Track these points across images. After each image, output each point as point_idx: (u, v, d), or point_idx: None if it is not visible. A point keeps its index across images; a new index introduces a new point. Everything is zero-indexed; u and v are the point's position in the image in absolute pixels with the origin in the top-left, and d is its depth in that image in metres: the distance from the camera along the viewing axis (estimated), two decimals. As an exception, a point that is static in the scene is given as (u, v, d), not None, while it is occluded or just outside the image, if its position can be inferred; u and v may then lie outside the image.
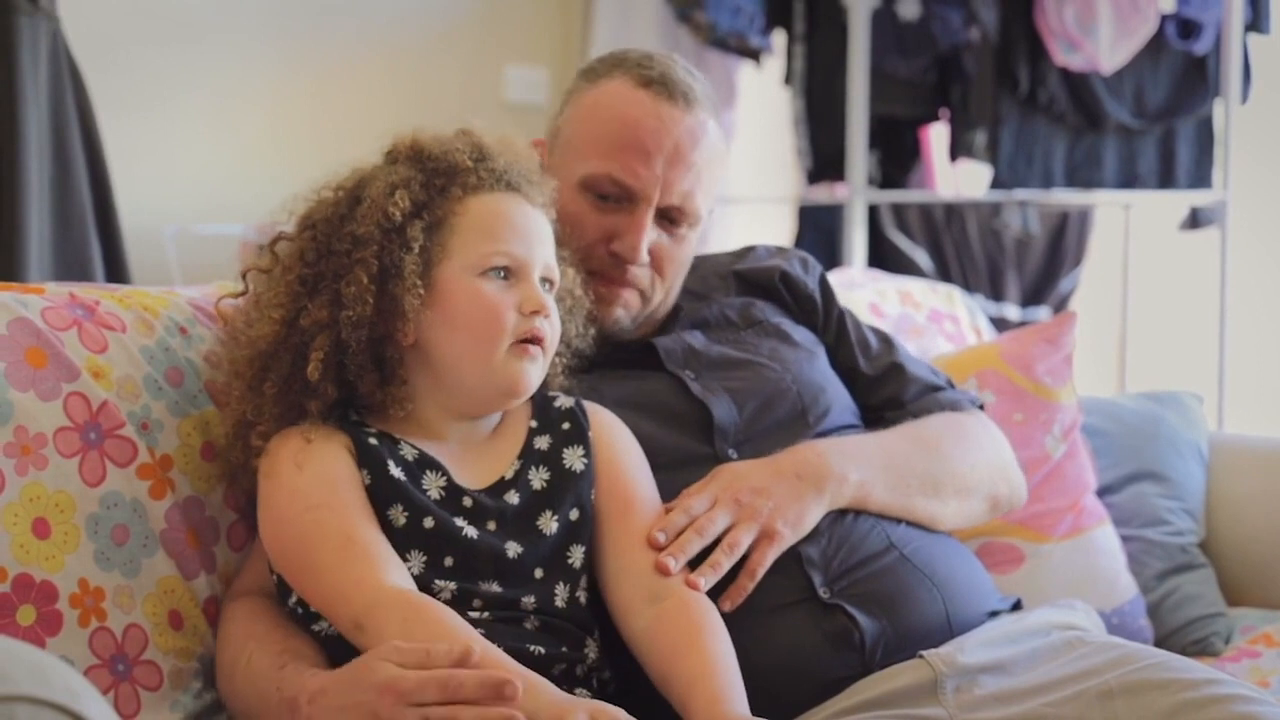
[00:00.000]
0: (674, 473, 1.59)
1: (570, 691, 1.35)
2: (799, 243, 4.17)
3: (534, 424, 1.55)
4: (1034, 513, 2.08)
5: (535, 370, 1.50)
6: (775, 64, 4.15)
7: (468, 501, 1.47)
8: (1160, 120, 3.95)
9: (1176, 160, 3.98)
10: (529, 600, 1.45)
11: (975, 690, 1.47)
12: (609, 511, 1.53)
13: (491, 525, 1.47)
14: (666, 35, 4.00)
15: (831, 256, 3.96)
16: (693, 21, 3.94)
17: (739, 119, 4.18)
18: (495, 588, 1.44)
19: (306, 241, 1.51)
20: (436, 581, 1.42)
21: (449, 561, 1.43)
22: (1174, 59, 3.93)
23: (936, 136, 4.23)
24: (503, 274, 1.49)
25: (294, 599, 1.45)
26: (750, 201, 4.28)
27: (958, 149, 3.96)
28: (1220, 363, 3.65)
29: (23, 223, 2.59)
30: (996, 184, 3.87)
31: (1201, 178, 3.99)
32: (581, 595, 1.49)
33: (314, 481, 1.43)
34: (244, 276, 1.58)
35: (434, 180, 1.51)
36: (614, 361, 1.71)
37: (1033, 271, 4.35)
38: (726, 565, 1.50)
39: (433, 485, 1.47)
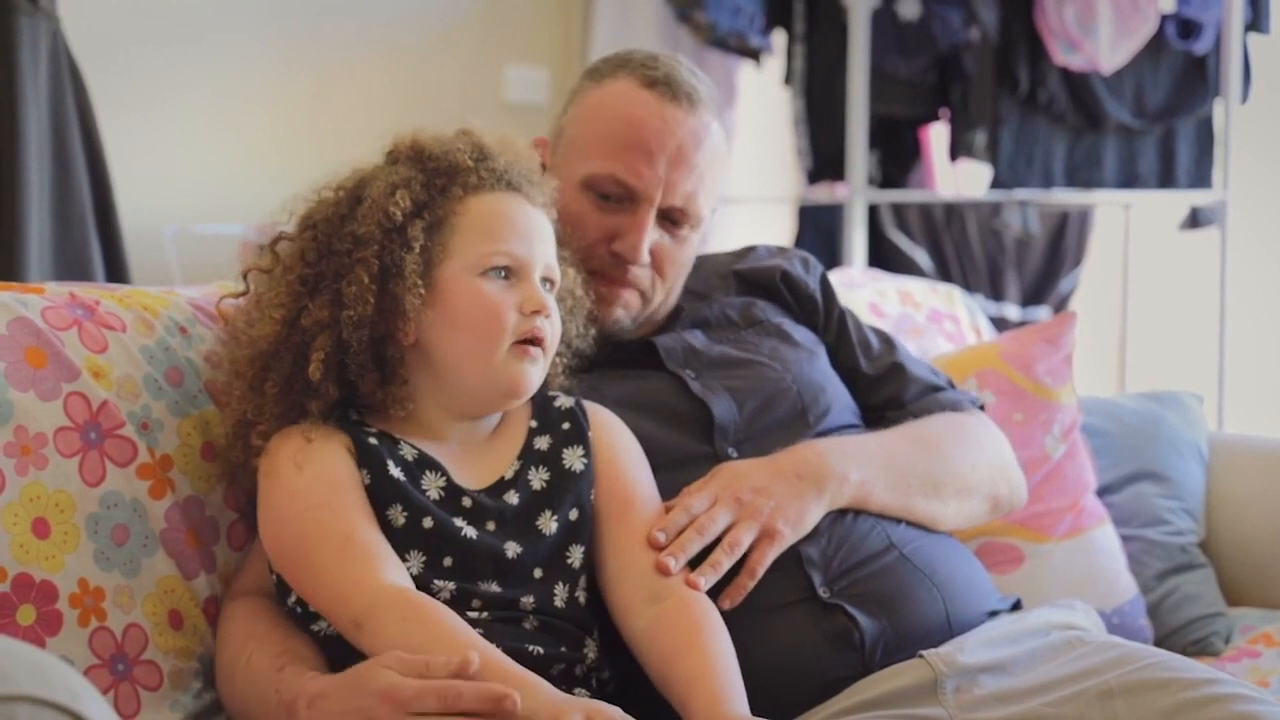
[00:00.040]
0: (674, 472, 1.59)
1: (569, 691, 1.36)
2: (799, 243, 4.17)
3: (534, 424, 1.55)
4: (1034, 513, 2.08)
5: (536, 371, 1.50)
6: (775, 64, 4.15)
7: (467, 502, 1.47)
8: (1160, 120, 3.95)
9: (1176, 160, 3.98)
10: (528, 600, 1.45)
11: (975, 690, 1.47)
12: (609, 511, 1.53)
13: (491, 525, 1.47)
14: (666, 35, 4.00)
15: (831, 256, 3.96)
16: (693, 21, 3.94)
17: (739, 119, 4.18)
18: (494, 588, 1.44)
19: (307, 241, 1.51)
20: (435, 581, 1.42)
21: (448, 561, 1.43)
22: (1174, 59, 3.93)
23: (936, 136, 4.23)
24: (503, 274, 1.49)
25: (293, 599, 1.45)
26: (750, 201, 4.28)
27: (958, 149, 3.96)
28: (1220, 363, 3.65)
29: (23, 223, 2.59)
30: (996, 184, 3.87)
31: (1201, 178, 3.99)
32: (581, 595, 1.49)
33: (314, 481, 1.43)
34: (245, 276, 1.58)
35: (435, 180, 1.51)
36: (614, 361, 1.71)
37: (1033, 271, 4.35)
38: (727, 564, 1.50)
39: (432, 485, 1.47)
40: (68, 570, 1.45)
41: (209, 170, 3.54)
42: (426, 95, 3.83)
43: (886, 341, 1.90)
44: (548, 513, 1.49)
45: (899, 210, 4.13)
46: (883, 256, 4.03)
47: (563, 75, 4.10)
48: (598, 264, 1.70)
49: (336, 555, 1.39)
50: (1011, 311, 4.26)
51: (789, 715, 1.47)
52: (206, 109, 3.53)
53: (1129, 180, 3.97)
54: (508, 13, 4.09)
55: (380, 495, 1.44)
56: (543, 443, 1.54)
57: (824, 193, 4.14)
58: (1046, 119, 3.88)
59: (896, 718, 1.45)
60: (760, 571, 1.51)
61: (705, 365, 1.72)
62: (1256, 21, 3.86)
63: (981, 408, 1.90)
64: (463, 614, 1.38)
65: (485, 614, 1.42)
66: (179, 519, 1.54)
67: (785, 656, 1.50)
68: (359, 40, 3.81)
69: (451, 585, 1.42)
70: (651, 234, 1.70)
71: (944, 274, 4.12)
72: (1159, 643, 2.10)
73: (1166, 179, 3.98)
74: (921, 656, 1.49)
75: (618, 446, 1.57)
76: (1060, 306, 4.33)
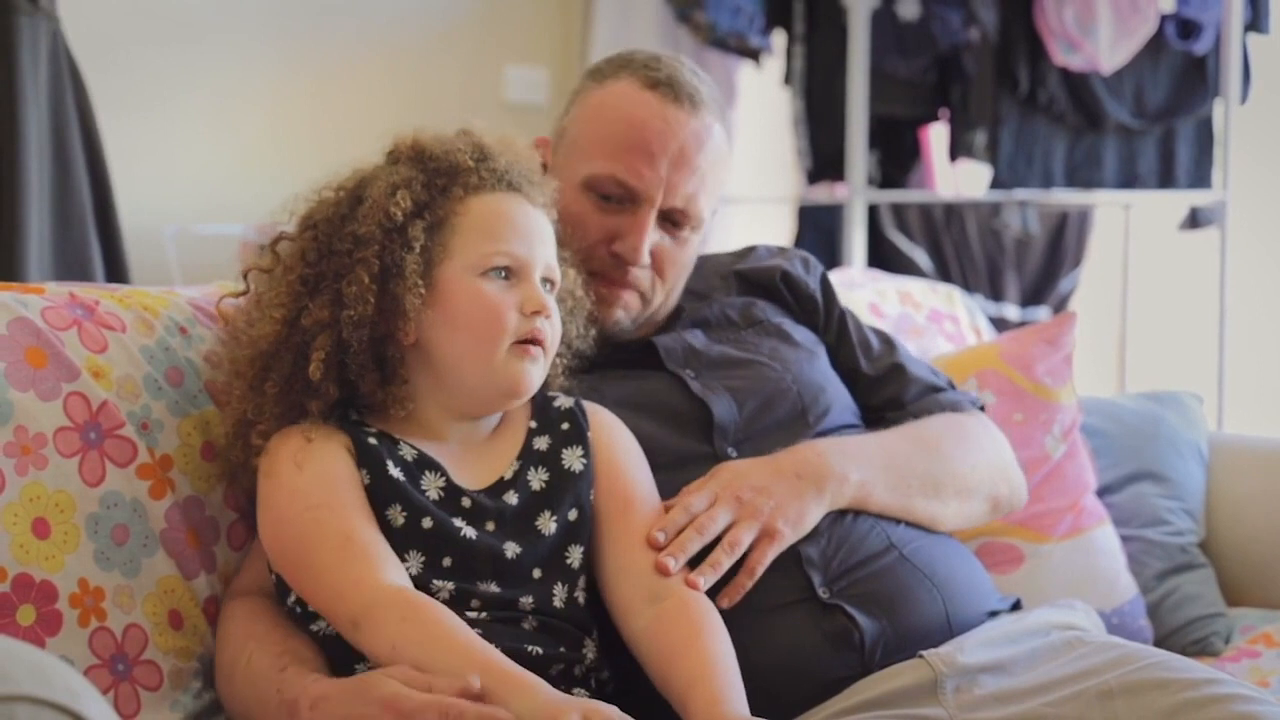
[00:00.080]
0: (674, 472, 1.59)
1: (568, 691, 1.36)
2: (799, 243, 4.17)
3: (533, 424, 1.55)
4: (1034, 513, 2.08)
5: (536, 370, 1.50)
6: (775, 64, 4.15)
7: (466, 502, 1.47)
8: (1160, 120, 3.95)
9: (1176, 160, 3.98)
10: (527, 600, 1.45)
11: (975, 690, 1.47)
12: (608, 511, 1.53)
13: (490, 525, 1.47)
14: (666, 35, 4.00)
15: (831, 256, 3.96)
16: (693, 21, 3.94)
17: (739, 119, 4.18)
18: (493, 588, 1.44)
19: (308, 241, 1.52)
20: (435, 581, 1.42)
21: (447, 562, 1.43)
22: (1174, 59, 3.93)
23: (936, 136, 4.23)
24: (504, 274, 1.49)
25: (292, 598, 1.45)
26: (750, 201, 4.28)
27: (958, 149, 3.96)
28: (1220, 363, 3.65)
29: (23, 223, 2.59)
30: (996, 184, 3.87)
31: (1201, 178, 3.99)
32: (580, 595, 1.49)
33: (314, 481, 1.43)
34: (245, 276, 1.58)
35: (435, 180, 1.51)
36: (615, 361, 1.71)
37: (1032, 271, 4.35)
38: (727, 564, 1.50)
39: (431, 485, 1.47)
40: (68, 570, 1.44)
41: (209, 170, 3.54)
42: (426, 95, 3.84)
43: (887, 342, 1.90)
44: (547, 513, 1.49)
45: (899, 210, 4.13)
46: (882, 257, 4.03)
47: (563, 75, 4.10)
48: (598, 265, 1.70)
49: (336, 555, 1.39)
50: (1011, 312, 4.26)
51: (789, 715, 1.47)
52: (206, 109, 3.53)
53: (1129, 180, 3.97)
54: (508, 13, 4.09)
55: (380, 495, 1.44)
56: (542, 443, 1.54)
57: (824, 193, 4.14)
58: (1046, 119, 3.88)
59: (896, 718, 1.45)
60: (759, 571, 1.51)
61: (705, 365, 1.72)
62: (1256, 21, 3.86)
63: (982, 408, 1.90)
64: (462, 614, 1.38)
65: (484, 614, 1.42)
66: (179, 519, 1.54)
67: (785, 656, 1.50)
68: (359, 40, 3.81)
69: (450, 585, 1.42)
70: (652, 235, 1.70)
71: (944, 274, 4.12)
72: (1159, 643, 2.10)
73: (1166, 179, 3.98)
74: (921, 657, 1.49)
75: (617, 447, 1.57)
76: (1060, 307, 4.33)
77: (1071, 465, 2.16)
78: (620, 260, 1.70)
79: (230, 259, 2.23)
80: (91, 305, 1.58)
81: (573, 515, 1.50)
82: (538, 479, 1.51)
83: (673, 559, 1.47)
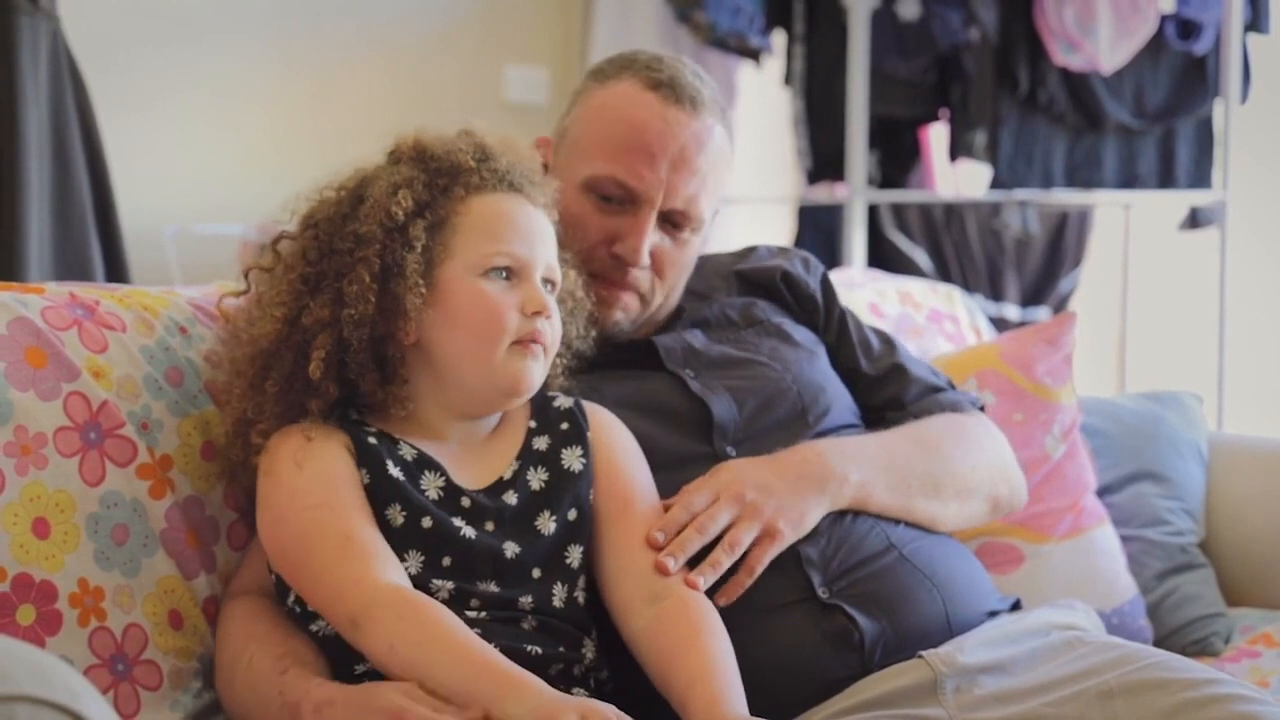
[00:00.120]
0: (673, 472, 1.59)
1: (567, 691, 1.35)
2: (799, 243, 4.17)
3: (533, 424, 1.55)
4: (1034, 513, 2.07)
5: (537, 369, 1.50)
6: (775, 64, 4.15)
7: (466, 502, 1.47)
8: (1160, 120, 3.95)
9: (1176, 160, 3.98)
10: (526, 600, 1.45)
11: (975, 690, 1.47)
12: (608, 511, 1.53)
13: (489, 525, 1.47)
14: (666, 35, 4.00)
15: (831, 256, 3.96)
16: (693, 21, 3.94)
17: (739, 119, 4.18)
18: (493, 588, 1.44)
19: (309, 240, 1.52)
20: (434, 581, 1.42)
21: (447, 561, 1.43)
22: (1174, 59, 3.93)
23: (936, 136, 4.23)
24: (504, 274, 1.49)
25: (292, 598, 1.45)
26: (750, 201, 4.28)
27: (958, 149, 3.96)
28: (1220, 363, 3.65)
29: (23, 223, 2.59)
30: (996, 184, 3.87)
31: (1201, 178, 3.99)
32: (580, 595, 1.49)
33: (313, 480, 1.43)
34: (246, 275, 1.58)
35: (437, 180, 1.51)
36: (614, 361, 1.70)
37: (1032, 271, 4.35)
38: (727, 564, 1.50)
39: (431, 485, 1.47)
40: (68, 570, 1.44)
41: (209, 170, 3.54)
42: (426, 95, 3.84)
43: (887, 342, 1.90)
44: (546, 513, 1.49)
45: (899, 210, 4.13)
46: (882, 257, 4.03)
47: (563, 75, 4.10)
48: (598, 266, 1.70)
49: (335, 554, 1.39)
50: (1011, 312, 4.26)
51: (788, 715, 1.47)
52: (206, 109, 3.54)
53: (1129, 180, 3.97)
54: (508, 13, 4.10)
55: (379, 495, 1.44)
56: (541, 443, 1.54)
57: (824, 193, 4.14)
58: (1046, 119, 3.88)
59: (896, 718, 1.45)
60: (759, 570, 1.51)
61: (705, 365, 1.72)
62: (1256, 22, 3.86)
63: (982, 409, 1.90)
64: (461, 614, 1.38)
65: (484, 614, 1.42)
66: (179, 519, 1.54)
67: (785, 656, 1.50)
68: (359, 40, 3.81)
69: (450, 585, 1.42)
70: (652, 237, 1.70)
71: (944, 274, 4.12)
72: (1159, 643, 2.10)
73: (1166, 179, 3.98)
74: (921, 657, 1.49)
75: (616, 446, 1.57)
76: (1060, 307, 4.33)
77: (1071, 465, 2.16)
78: (620, 261, 1.70)
79: (230, 259, 2.23)
80: (92, 305, 1.58)
81: (572, 515, 1.50)
82: (537, 479, 1.51)
83: (672, 559, 1.47)
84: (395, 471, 1.45)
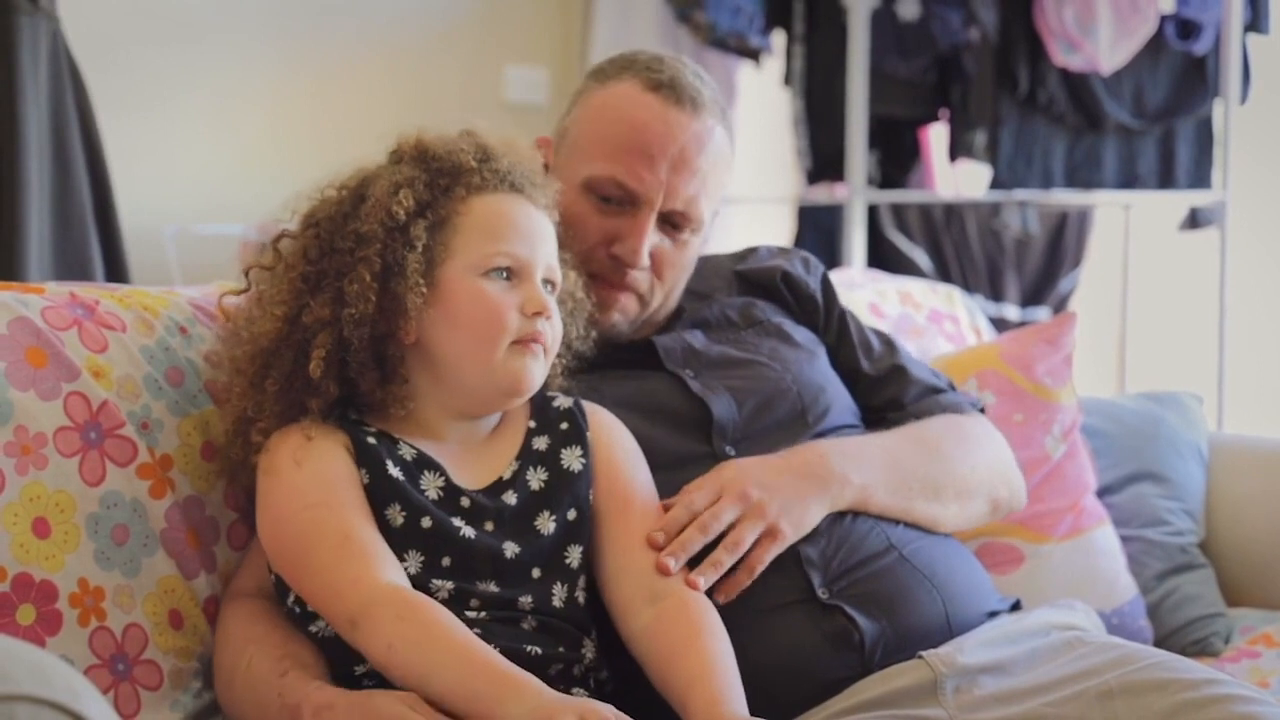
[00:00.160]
0: (673, 472, 1.59)
1: (567, 691, 1.36)
2: (799, 243, 4.17)
3: (532, 424, 1.55)
4: (1034, 513, 2.07)
5: (537, 368, 1.50)
6: (775, 64, 4.15)
7: (465, 502, 1.47)
8: (1160, 120, 3.95)
9: (1176, 160, 3.98)
10: (526, 600, 1.45)
11: (975, 690, 1.47)
12: (608, 511, 1.53)
13: (489, 525, 1.47)
14: (666, 35, 4.00)
15: (831, 256, 3.96)
16: (693, 21, 3.94)
17: (739, 119, 4.18)
18: (492, 588, 1.44)
19: (310, 239, 1.52)
20: (434, 581, 1.42)
21: (446, 561, 1.43)
22: (1173, 59, 3.93)
23: (936, 136, 4.23)
24: (505, 274, 1.49)
25: (292, 598, 1.45)
26: (750, 201, 4.28)
27: (957, 149, 3.96)
28: (1220, 363, 3.65)
29: (23, 223, 2.59)
30: (996, 184, 3.87)
31: (1201, 178, 3.99)
32: (580, 595, 1.49)
33: (312, 479, 1.43)
34: (247, 273, 1.58)
35: (438, 180, 1.51)
36: (614, 361, 1.70)
37: (1032, 272, 4.35)
38: (728, 563, 1.50)
39: (431, 485, 1.47)
40: (68, 570, 1.45)
41: (209, 170, 3.54)
42: (426, 95, 3.84)
43: (887, 343, 1.90)
44: (546, 513, 1.49)
45: (898, 210, 4.13)
46: (882, 257, 4.03)
47: (563, 75, 4.10)
48: (597, 266, 1.70)
49: (334, 554, 1.39)
50: (1011, 312, 4.26)
51: (788, 716, 1.47)
52: (206, 109, 3.54)
53: (1128, 181, 3.97)
54: (508, 13, 4.10)
55: (379, 495, 1.44)
56: (541, 443, 1.54)
57: (824, 193, 4.14)
58: (1046, 119, 3.88)
59: (896, 718, 1.45)
60: (759, 569, 1.51)
61: (704, 365, 1.72)
62: (1256, 22, 3.86)
63: (982, 410, 1.90)
64: (460, 614, 1.38)
65: (483, 614, 1.42)
66: (179, 519, 1.54)
67: (784, 657, 1.50)
68: (359, 40, 3.81)
69: (450, 585, 1.42)
70: (651, 238, 1.70)
71: (943, 274, 4.12)
72: (1159, 643, 2.10)
73: (1166, 179, 3.98)
74: (921, 657, 1.49)
75: (616, 446, 1.57)
76: (1060, 307, 4.33)
77: (1071, 465, 2.16)
78: (619, 263, 1.70)
79: (230, 259, 2.23)
80: (92, 305, 1.58)
81: (572, 515, 1.50)
82: (537, 479, 1.51)
83: (673, 558, 1.47)
84: (395, 471, 1.45)
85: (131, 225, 2.92)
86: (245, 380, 1.51)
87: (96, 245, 2.73)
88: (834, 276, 1.96)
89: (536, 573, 1.47)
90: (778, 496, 1.54)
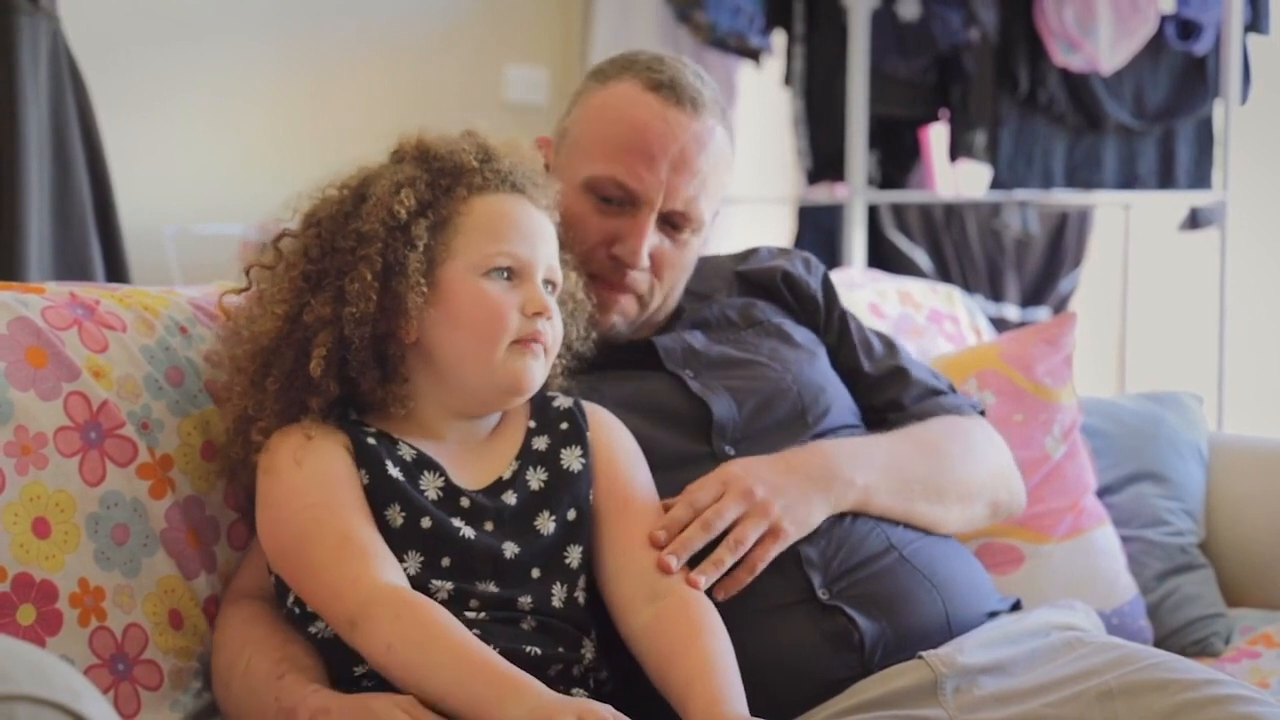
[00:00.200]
0: (673, 472, 1.59)
1: (566, 692, 1.36)
2: (799, 243, 4.17)
3: (532, 424, 1.55)
4: (1034, 513, 2.07)
5: (538, 367, 1.50)
6: (775, 64, 4.15)
7: (465, 502, 1.47)
8: (1160, 121, 3.95)
9: (1176, 160, 3.98)
10: (526, 600, 1.44)
11: (975, 691, 1.47)
12: (608, 511, 1.53)
13: (489, 525, 1.47)
14: (666, 35, 4.00)
15: (831, 257, 3.96)
16: (693, 21, 3.94)
17: (739, 119, 4.18)
18: (492, 588, 1.44)
19: (311, 238, 1.52)
20: (433, 581, 1.42)
21: (446, 562, 1.43)
22: (1174, 59, 3.93)
23: (936, 136, 4.23)
24: (506, 274, 1.49)
25: (291, 599, 1.45)
26: (750, 201, 4.28)
27: (958, 149, 3.96)
28: (1220, 363, 3.65)
29: (23, 223, 2.59)
30: (996, 184, 3.87)
31: (1201, 178, 3.99)
32: (580, 595, 1.49)
33: (312, 479, 1.43)
34: (247, 272, 1.58)
35: (439, 180, 1.51)
36: (614, 362, 1.70)
37: (1032, 272, 4.35)
38: (730, 561, 1.50)
39: (430, 485, 1.47)
40: (68, 570, 1.45)
41: (209, 170, 3.54)
42: (426, 95, 3.84)
43: (888, 344, 1.90)
44: (546, 513, 1.49)
45: (899, 210, 4.13)
46: (882, 257, 4.03)
47: (563, 75, 4.10)
48: (597, 267, 1.70)
49: (333, 554, 1.39)
50: (1011, 312, 4.26)
51: (788, 716, 1.47)
52: (206, 109, 3.54)
53: (1129, 181, 3.97)
54: (508, 13, 4.10)
55: (378, 495, 1.44)
56: (541, 443, 1.54)
57: (824, 193, 4.14)
58: (1046, 119, 3.88)
59: (896, 718, 1.45)
60: (760, 568, 1.51)
61: (704, 365, 1.72)
62: (1256, 22, 3.86)
63: (982, 413, 1.89)
64: (460, 614, 1.38)
65: (483, 614, 1.42)
66: (179, 519, 1.54)
67: (784, 657, 1.50)
68: (359, 40, 3.81)
69: (449, 585, 1.42)
70: (651, 238, 1.70)
71: (944, 274, 4.12)
72: (1159, 643, 2.10)
73: (1166, 179, 3.98)
74: (921, 657, 1.49)
75: (616, 446, 1.57)
76: (1060, 307, 4.33)
77: (1071, 466, 2.16)
78: (619, 263, 1.70)
79: (230, 259, 2.22)
80: (92, 305, 1.58)
81: (571, 515, 1.50)
82: (536, 479, 1.51)
83: (674, 557, 1.47)
84: (394, 472, 1.45)
85: (131, 225, 2.92)
86: (246, 379, 1.51)
87: (96, 245, 2.73)
88: (834, 276, 1.96)
89: (536, 573, 1.47)
90: (781, 495, 1.54)
